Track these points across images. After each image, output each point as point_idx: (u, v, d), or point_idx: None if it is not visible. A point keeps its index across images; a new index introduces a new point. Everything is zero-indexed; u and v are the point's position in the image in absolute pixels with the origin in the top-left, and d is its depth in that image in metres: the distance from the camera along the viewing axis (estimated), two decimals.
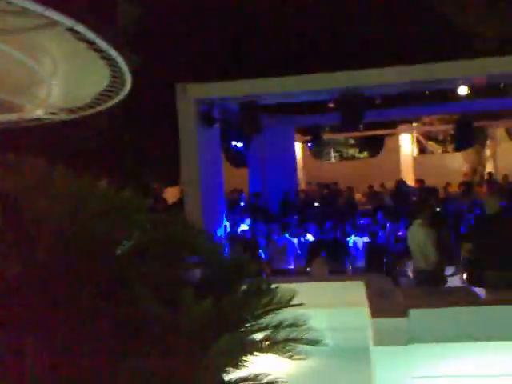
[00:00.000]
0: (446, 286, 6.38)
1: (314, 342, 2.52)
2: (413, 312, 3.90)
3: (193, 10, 12.18)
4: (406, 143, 17.15)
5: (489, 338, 3.84)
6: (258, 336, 2.50)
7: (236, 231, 9.91)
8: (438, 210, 9.45)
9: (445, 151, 20.72)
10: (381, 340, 3.81)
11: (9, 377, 2.11)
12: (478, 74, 8.86)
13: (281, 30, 12.86)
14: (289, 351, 2.46)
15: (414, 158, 17.65)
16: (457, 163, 17.24)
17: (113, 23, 10.16)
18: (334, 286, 5.31)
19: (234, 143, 12.00)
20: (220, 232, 9.19)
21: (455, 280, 7.01)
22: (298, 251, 8.73)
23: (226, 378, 2.43)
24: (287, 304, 2.57)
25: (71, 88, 5.23)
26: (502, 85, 11.56)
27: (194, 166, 8.89)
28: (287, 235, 8.89)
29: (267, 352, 2.46)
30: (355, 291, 4.83)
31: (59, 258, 2.34)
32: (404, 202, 11.62)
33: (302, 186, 15.35)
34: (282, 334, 2.49)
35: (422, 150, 21.42)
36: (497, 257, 5.22)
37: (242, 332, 2.49)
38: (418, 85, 9.44)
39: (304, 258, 8.56)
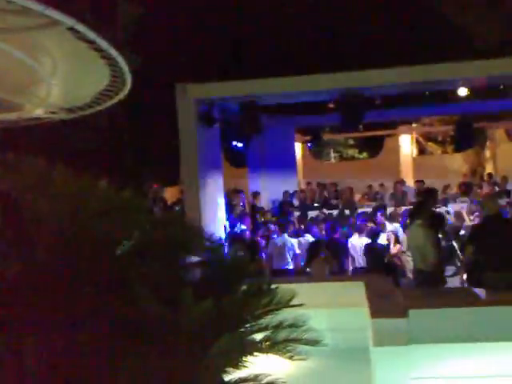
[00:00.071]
0: (446, 286, 6.38)
1: (313, 343, 2.52)
2: (412, 312, 3.90)
3: (193, 10, 12.18)
4: (406, 144, 17.14)
5: (488, 339, 3.84)
6: (258, 336, 2.50)
7: (235, 231, 9.90)
8: (437, 210, 9.44)
9: (444, 152, 20.72)
10: (380, 340, 3.81)
11: (8, 376, 2.11)
12: (477, 75, 8.86)
13: (281, 30, 12.86)
14: (289, 351, 2.46)
15: (414, 159, 17.64)
16: (456, 164, 17.25)
17: (113, 23, 10.16)
18: (333, 286, 5.31)
19: (233, 143, 11.99)
20: (219, 232, 9.19)
21: (455, 281, 7.01)
22: (297, 251, 8.72)
23: (226, 378, 2.42)
24: (287, 304, 2.57)
25: (71, 87, 5.22)
26: (501, 86, 11.56)
27: (193, 166, 8.89)
28: (286, 235, 8.89)
29: (267, 352, 2.46)
30: (355, 292, 4.82)
31: (59, 258, 2.34)
32: (403, 203, 11.62)
33: (302, 186, 15.34)
34: (281, 335, 2.49)
35: (422, 151, 21.43)
36: (496, 258, 5.22)
37: (242, 332, 2.48)
38: (417, 86, 9.44)
39: (303, 258, 8.55)
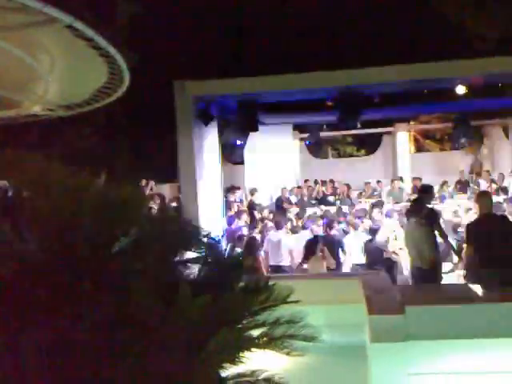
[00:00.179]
0: (442, 283, 6.41)
1: (310, 339, 2.54)
2: (409, 309, 3.92)
3: (192, 8, 12.17)
4: (404, 141, 17.17)
5: (485, 335, 3.87)
6: (256, 332, 2.52)
7: (233, 228, 9.92)
8: (434, 208, 9.48)
9: (442, 150, 20.77)
10: (377, 337, 3.84)
11: (5, 374, 2.12)
12: (475, 73, 8.89)
13: (280, 28, 12.86)
14: (286, 347, 2.47)
15: (411, 156, 17.68)
16: (454, 162, 17.29)
17: (111, 20, 10.14)
18: (330, 283, 5.33)
19: (231, 140, 11.99)
20: (217, 229, 9.20)
21: (452, 277, 7.05)
22: (293, 248, 8.74)
23: (223, 373, 2.44)
24: (284, 301, 2.59)
25: (69, 85, 5.22)
26: (499, 84, 11.59)
27: (191, 163, 8.90)
28: (282, 232, 8.91)
29: (264, 348, 2.47)
30: (352, 288, 4.85)
31: (56, 255, 2.35)
32: (400, 200, 11.65)
33: (299, 183, 15.37)
34: (279, 331, 2.50)
35: (419, 149, 21.47)
36: (490, 255, 5.26)
37: (240, 328, 2.50)
38: (415, 84, 9.46)
39: (300, 255, 8.57)
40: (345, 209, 11.21)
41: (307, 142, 17.11)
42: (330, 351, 4.43)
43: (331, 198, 13.18)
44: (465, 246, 6.02)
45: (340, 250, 8.41)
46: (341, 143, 22.91)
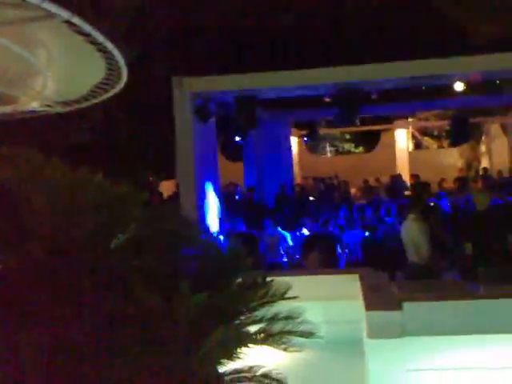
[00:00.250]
0: (439, 279, 6.43)
1: (308, 335, 2.55)
2: (407, 305, 3.93)
3: (190, 3, 12.13)
4: (402, 138, 17.21)
5: (483, 331, 3.88)
6: (253, 328, 2.52)
7: (231, 225, 9.94)
8: (431, 204, 9.51)
9: (440, 147, 20.81)
10: (374, 333, 3.84)
11: (4, 371, 2.12)
12: (474, 70, 8.89)
13: (278, 24, 12.83)
14: (283, 343, 2.48)
15: (410, 153, 17.73)
16: (452, 159, 17.34)
17: (109, 15, 10.11)
18: (328, 279, 5.34)
19: (230, 137, 11.98)
20: (215, 226, 9.21)
21: (450, 274, 7.07)
22: (291, 245, 8.77)
23: (221, 369, 2.45)
24: (282, 297, 2.59)
25: (67, 80, 5.20)
26: (497, 81, 11.59)
27: (189, 160, 8.90)
28: (280, 229, 8.93)
29: (262, 344, 2.48)
30: (350, 284, 4.85)
31: (53, 252, 2.35)
32: (399, 197, 11.67)
33: (298, 180, 15.38)
34: (276, 327, 2.51)
35: (418, 146, 21.50)
36: (487, 252, 5.28)
37: (237, 324, 2.50)
38: (414, 80, 9.46)
39: (298, 252, 8.59)
40: (343, 206, 11.22)
41: (306, 139, 17.11)
42: (328, 347, 4.44)
43: (329, 195, 13.18)
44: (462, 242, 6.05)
45: (338, 247, 8.43)
46: (339, 140, 22.93)
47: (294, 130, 15.91)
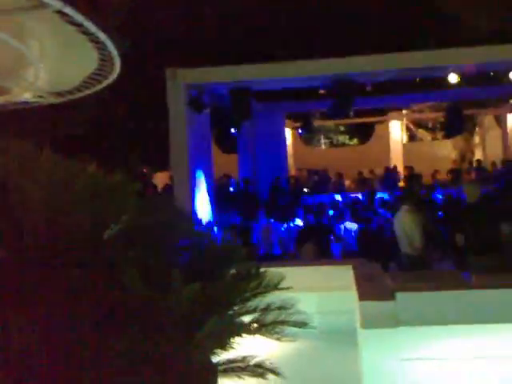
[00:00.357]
0: (432, 269, 6.47)
1: (301, 325, 2.56)
2: (400, 295, 3.96)
3: None
4: (396, 130, 17.22)
5: (475, 321, 3.92)
6: (247, 318, 2.53)
7: (225, 216, 9.94)
8: (424, 196, 9.55)
9: (434, 138, 20.84)
10: (368, 323, 3.87)
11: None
12: (468, 62, 8.89)
13: (272, 15, 12.77)
14: (277, 333, 2.49)
15: (404, 145, 17.74)
16: (446, 150, 17.38)
17: (102, 5, 10.02)
18: (322, 270, 5.37)
19: (224, 129, 11.95)
20: (209, 217, 9.21)
21: (442, 265, 7.11)
22: (284, 236, 8.80)
23: (214, 359, 2.46)
24: (275, 287, 2.60)
25: (59, 71, 5.16)
26: (491, 73, 11.60)
27: (183, 152, 8.87)
28: (273, 220, 8.95)
29: (255, 334, 2.49)
30: (343, 275, 4.88)
31: (46, 242, 2.34)
32: (393, 189, 11.71)
33: (292, 172, 15.38)
34: (270, 317, 2.52)
35: (412, 137, 21.53)
36: (477, 243, 5.32)
37: (231, 315, 2.51)
38: (408, 72, 9.46)
39: (292, 243, 8.62)
40: (338, 198, 11.26)
41: (300, 131, 17.09)
42: (321, 337, 4.48)
43: (324, 187, 13.21)
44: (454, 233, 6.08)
45: (332, 238, 8.46)
46: (334, 132, 22.91)
47: (288, 121, 15.90)
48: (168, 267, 2.50)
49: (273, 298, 2.58)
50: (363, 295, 4.06)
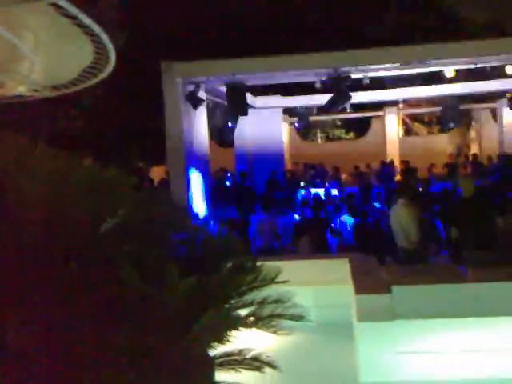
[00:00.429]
0: (428, 263, 6.49)
1: (298, 318, 2.57)
2: (396, 289, 3.97)
3: None
4: (392, 125, 17.20)
5: (471, 314, 3.94)
6: (243, 312, 2.54)
7: (221, 210, 9.93)
8: (420, 190, 9.57)
9: (430, 132, 20.86)
10: (364, 316, 3.89)
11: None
12: (464, 56, 8.89)
13: (269, 9, 12.72)
14: (273, 326, 2.50)
15: (400, 139, 17.74)
16: (442, 144, 17.39)
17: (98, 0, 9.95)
18: (318, 263, 5.38)
19: (221, 123, 11.92)
20: (205, 211, 9.21)
21: (438, 258, 7.14)
22: (280, 230, 8.79)
23: (212, 352, 2.46)
24: (272, 281, 2.61)
25: (54, 65, 5.12)
26: (487, 68, 11.60)
27: (179, 146, 8.84)
28: (269, 214, 8.93)
29: (252, 327, 2.50)
30: (340, 269, 4.89)
31: (42, 237, 2.33)
32: (389, 183, 11.72)
33: (289, 166, 15.37)
34: (266, 310, 2.53)
35: (408, 132, 21.54)
36: (473, 237, 5.34)
37: (227, 308, 2.52)
38: (405, 67, 9.44)
39: (289, 237, 8.62)
40: (334, 191, 11.26)
41: (297, 126, 17.07)
42: (318, 330, 4.49)
43: (320, 181, 13.21)
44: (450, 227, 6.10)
45: (328, 231, 8.46)
46: (330, 126, 22.89)
47: (284, 116, 15.86)
48: (164, 261, 2.50)
49: (269, 291, 2.59)
50: (359, 289, 4.07)
